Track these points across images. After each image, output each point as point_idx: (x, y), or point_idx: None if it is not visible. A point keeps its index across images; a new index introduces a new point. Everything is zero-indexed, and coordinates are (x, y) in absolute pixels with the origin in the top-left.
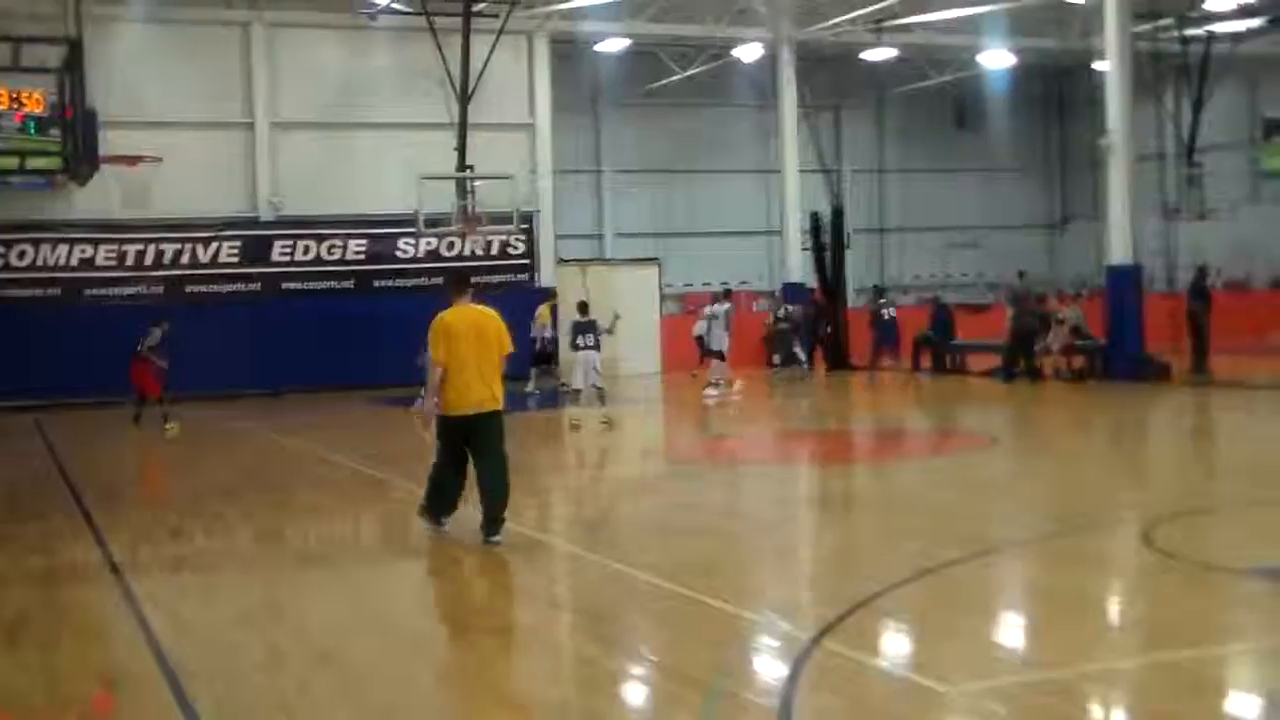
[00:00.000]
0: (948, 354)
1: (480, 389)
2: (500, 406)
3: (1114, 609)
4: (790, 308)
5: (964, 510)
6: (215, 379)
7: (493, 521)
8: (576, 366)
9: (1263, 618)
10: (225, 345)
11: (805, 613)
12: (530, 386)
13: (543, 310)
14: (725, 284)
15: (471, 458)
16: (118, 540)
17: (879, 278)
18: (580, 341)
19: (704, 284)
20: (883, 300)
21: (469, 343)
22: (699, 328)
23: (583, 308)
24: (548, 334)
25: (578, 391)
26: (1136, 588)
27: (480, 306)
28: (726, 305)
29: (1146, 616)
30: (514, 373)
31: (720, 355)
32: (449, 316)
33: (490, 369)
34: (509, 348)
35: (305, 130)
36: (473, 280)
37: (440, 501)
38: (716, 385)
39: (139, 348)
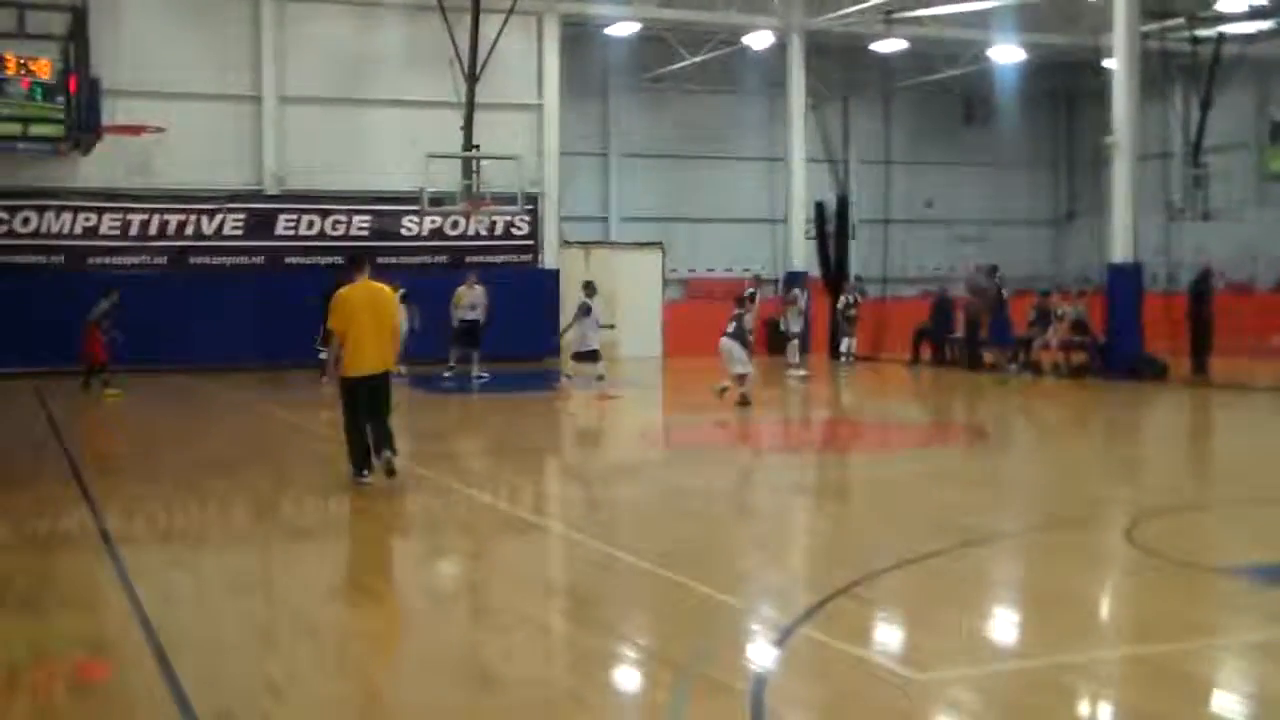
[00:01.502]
0: (948, 346)
1: (374, 354)
2: (390, 369)
3: (1092, 603)
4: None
5: (950, 502)
6: (217, 351)
7: (380, 452)
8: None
9: (1237, 615)
10: (227, 317)
11: (786, 599)
12: (474, 369)
13: (461, 291)
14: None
15: (364, 412)
16: (111, 509)
17: (882, 269)
18: (730, 329)
19: (708, 270)
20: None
21: (365, 314)
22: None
23: (742, 301)
24: (472, 315)
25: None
26: (1116, 583)
27: (375, 284)
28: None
29: (1123, 611)
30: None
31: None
32: (347, 292)
33: (383, 337)
34: (399, 319)
35: (312, 105)
36: (467, 260)
37: (356, 454)
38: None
39: (89, 316)
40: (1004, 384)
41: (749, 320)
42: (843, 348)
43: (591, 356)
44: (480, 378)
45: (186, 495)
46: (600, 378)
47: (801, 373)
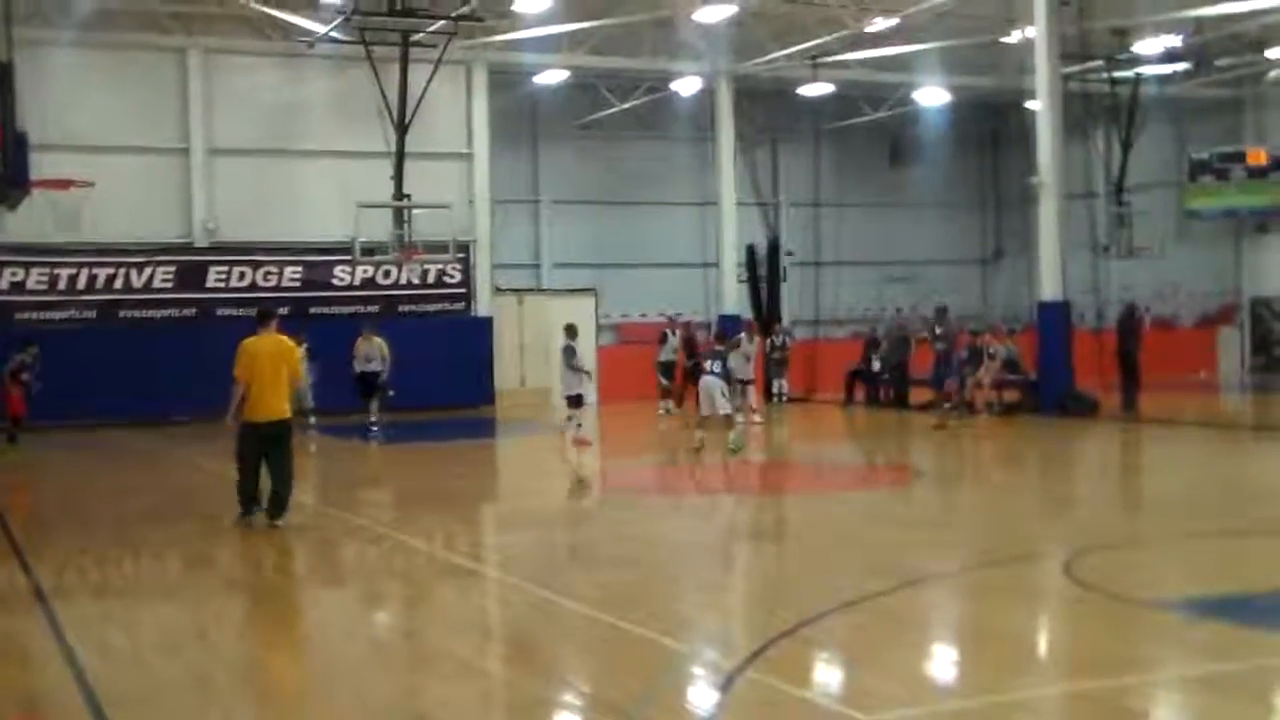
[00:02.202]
0: (880, 387)
1: (273, 401)
2: (288, 416)
3: (1032, 640)
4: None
5: (889, 542)
6: (148, 405)
7: (277, 507)
8: (702, 392)
9: (1175, 649)
10: (158, 371)
11: (729, 642)
12: (372, 417)
13: (358, 343)
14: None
15: (266, 457)
16: (44, 566)
17: (814, 310)
18: (708, 367)
19: (640, 315)
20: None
21: (266, 364)
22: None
23: (718, 339)
24: (369, 366)
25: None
26: (1055, 620)
27: (278, 336)
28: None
29: (1063, 647)
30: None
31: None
32: (251, 342)
33: (281, 386)
34: (298, 372)
35: (241, 157)
36: (400, 309)
37: (243, 494)
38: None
39: (5, 369)
40: (943, 428)
41: (735, 360)
42: (774, 389)
43: (578, 401)
44: (371, 426)
45: (119, 549)
46: (575, 421)
47: (758, 418)
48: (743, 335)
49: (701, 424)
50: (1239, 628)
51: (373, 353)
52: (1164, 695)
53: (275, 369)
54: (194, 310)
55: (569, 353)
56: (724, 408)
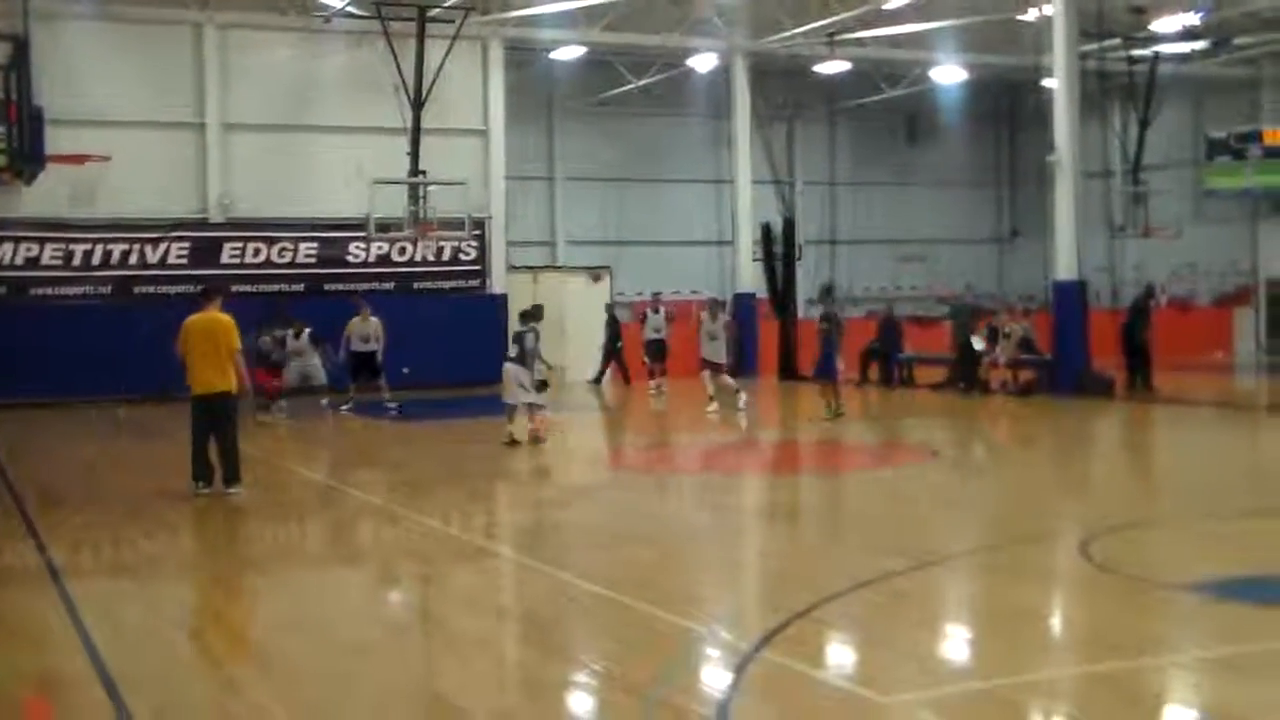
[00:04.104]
0: (895, 366)
1: (206, 375)
2: (230, 389)
3: (1050, 621)
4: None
5: (905, 522)
6: (163, 380)
7: (229, 478)
8: (505, 380)
9: (1194, 631)
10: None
11: (745, 623)
12: (385, 395)
13: (354, 323)
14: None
15: (211, 429)
16: (58, 543)
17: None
18: (512, 352)
19: (655, 293)
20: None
21: (200, 340)
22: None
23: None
24: (365, 347)
25: (527, 405)
26: (1071, 600)
27: (215, 314)
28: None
29: (1080, 628)
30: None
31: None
32: (189, 320)
33: (215, 361)
34: (236, 345)
35: (257, 132)
36: (415, 286)
37: (194, 465)
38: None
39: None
40: (829, 418)
41: (704, 341)
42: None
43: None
44: (390, 407)
45: (133, 525)
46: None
47: (713, 408)
48: (704, 314)
49: (510, 416)
50: (1257, 609)
51: (368, 332)
52: (1181, 676)
53: (210, 344)
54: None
55: (524, 340)
56: (523, 397)
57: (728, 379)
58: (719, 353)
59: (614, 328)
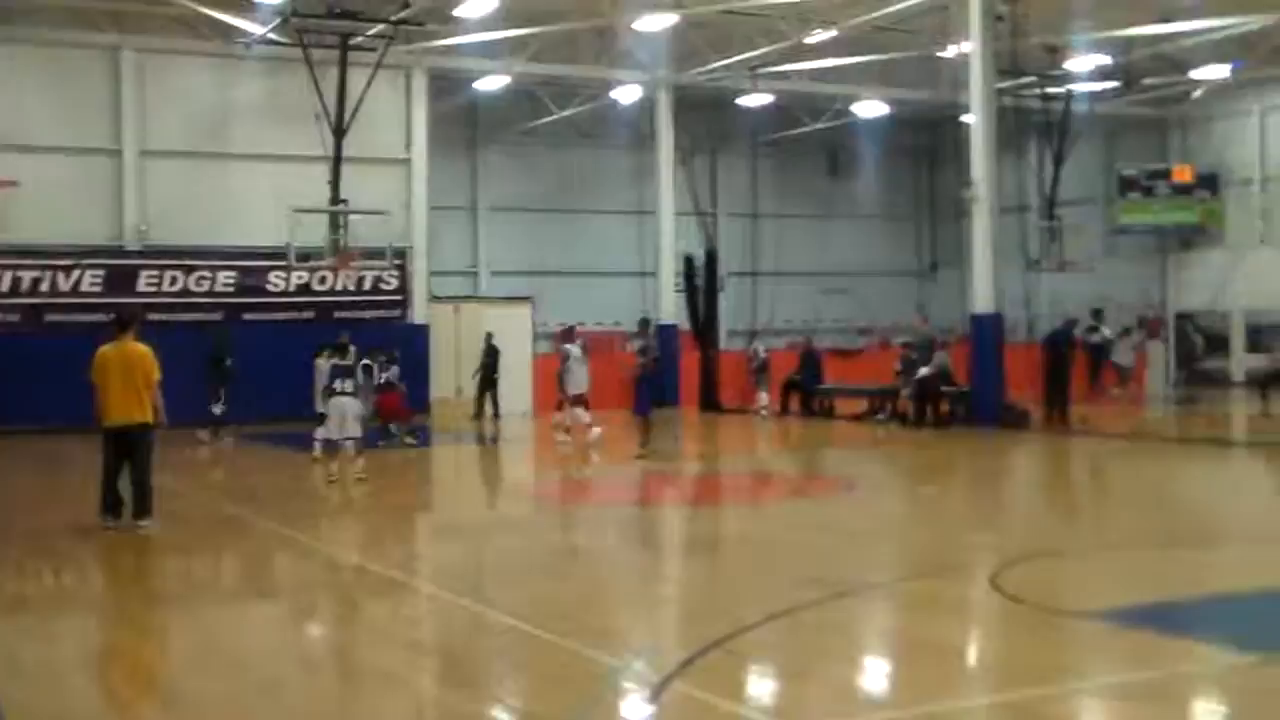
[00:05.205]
0: (816, 397)
1: (123, 407)
2: (147, 421)
3: (961, 651)
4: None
5: (820, 553)
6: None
7: (139, 511)
8: (331, 414)
9: (1099, 658)
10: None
11: (659, 654)
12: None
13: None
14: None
15: (125, 461)
16: None
17: (751, 321)
18: (338, 386)
19: (578, 323)
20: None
21: (116, 370)
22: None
23: (342, 350)
24: None
25: (351, 440)
26: (982, 630)
27: (132, 343)
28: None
29: (990, 658)
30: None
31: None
32: (103, 350)
33: (132, 391)
34: (155, 376)
35: (175, 159)
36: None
37: (103, 498)
38: (569, 430)
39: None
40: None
41: (566, 372)
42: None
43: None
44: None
45: (37, 559)
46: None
47: (560, 438)
48: (567, 347)
49: (333, 453)
50: (1160, 636)
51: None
52: (1086, 704)
53: (125, 375)
54: None
55: (339, 374)
56: (354, 431)
57: (581, 411)
58: (580, 384)
59: (492, 358)
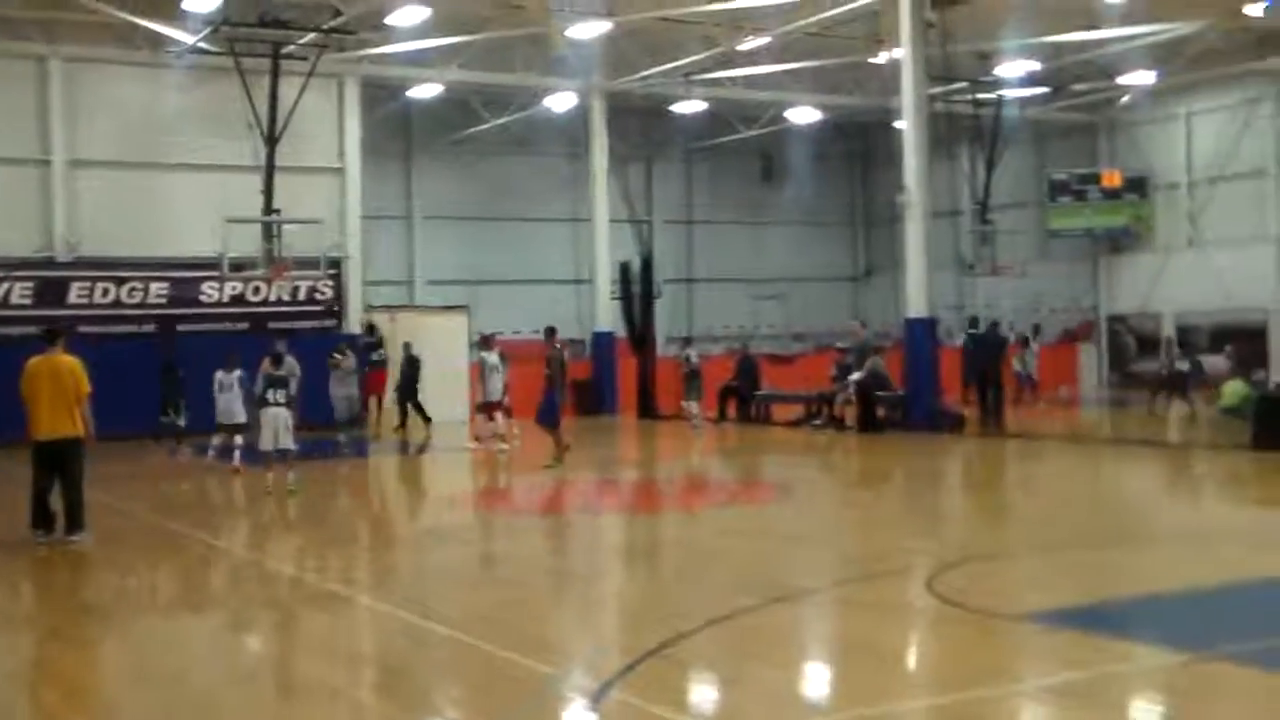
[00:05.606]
0: (753, 403)
1: (51, 420)
2: (77, 434)
3: (897, 655)
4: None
5: (757, 559)
6: (5, 425)
7: (71, 524)
8: (264, 426)
9: (1034, 660)
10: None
11: (596, 663)
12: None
13: (269, 363)
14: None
15: (56, 474)
16: None
17: (687, 328)
18: (270, 397)
19: (514, 332)
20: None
21: (45, 384)
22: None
23: (276, 360)
24: None
25: (283, 451)
26: (918, 634)
27: (61, 355)
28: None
29: (926, 661)
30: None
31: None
32: (32, 363)
33: (62, 405)
34: (85, 389)
35: (106, 169)
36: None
37: (34, 511)
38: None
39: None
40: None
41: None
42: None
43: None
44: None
45: None
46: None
47: (471, 445)
48: (484, 355)
49: (268, 465)
50: (1092, 636)
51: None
52: (1022, 705)
53: (54, 389)
54: None
55: (272, 384)
56: (286, 443)
57: (498, 419)
58: (496, 391)
59: (413, 368)
